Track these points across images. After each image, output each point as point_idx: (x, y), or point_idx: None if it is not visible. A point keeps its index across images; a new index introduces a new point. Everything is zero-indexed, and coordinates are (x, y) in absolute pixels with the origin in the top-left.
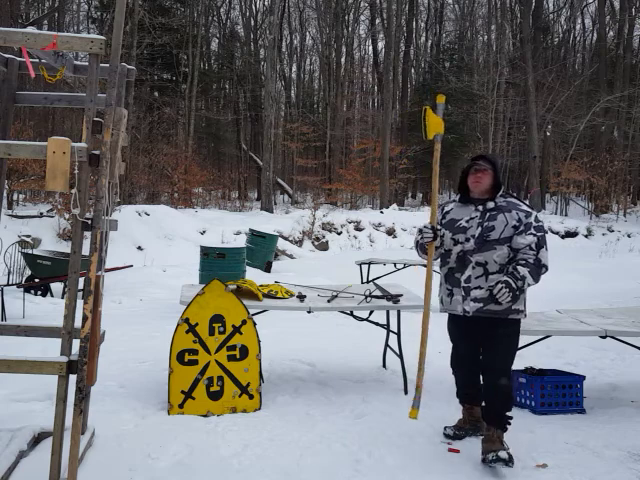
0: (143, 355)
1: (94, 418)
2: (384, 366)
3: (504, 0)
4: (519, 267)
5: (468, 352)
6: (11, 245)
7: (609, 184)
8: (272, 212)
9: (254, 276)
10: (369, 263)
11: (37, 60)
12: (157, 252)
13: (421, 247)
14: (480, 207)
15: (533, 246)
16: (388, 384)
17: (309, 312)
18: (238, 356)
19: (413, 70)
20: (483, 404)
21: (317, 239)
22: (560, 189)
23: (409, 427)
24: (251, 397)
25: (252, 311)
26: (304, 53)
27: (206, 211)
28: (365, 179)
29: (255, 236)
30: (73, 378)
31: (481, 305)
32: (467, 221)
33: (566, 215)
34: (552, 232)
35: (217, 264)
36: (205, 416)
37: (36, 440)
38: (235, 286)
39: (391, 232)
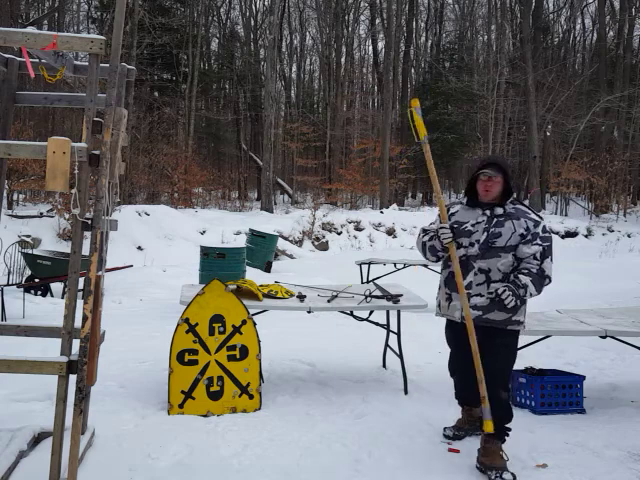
0: (143, 355)
1: (94, 418)
2: (384, 366)
3: (504, 0)
4: (521, 276)
5: (466, 359)
6: (11, 245)
7: (609, 184)
8: (272, 212)
9: (254, 276)
10: (369, 263)
11: (37, 60)
12: (157, 252)
13: (430, 249)
14: (487, 212)
15: (537, 255)
16: (388, 384)
17: (309, 312)
18: (238, 356)
19: (413, 70)
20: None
21: (317, 239)
22: (560, 189)
23: (409, 427)
24: (251, 397)
25: (252, 311)
26: (304, 53)
27: (206, 211)
28: (365, 179)
29: (255, 236)
30: (73, 378)
31: (480, 313)
32: (473, 225)
33: (566, 215)
34: (552, 232)
35: (217, 264)
36: (205, 416)
37: (36, 440)
38: (235, 286)
39: (391, 232)
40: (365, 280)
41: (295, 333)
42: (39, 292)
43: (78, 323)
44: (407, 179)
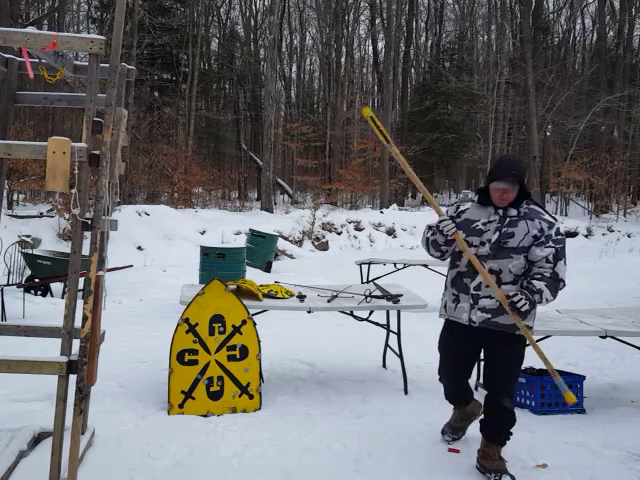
0: (143, 355)
1: (94, 418)
2: (384, 366)
3: (504, 0)
4: (534, 281)
5: (464, 364)
6: (11, 245)
7: (609, 184)
8: (272, 212)
9: (254, 276)
10: (369, 263)
11: (37, 60)
12: (157, 252)
13: (433, 244)
14: (500, 211)
15: (550, 258)
16: (388, 384)
17: (309, 312)
18: (238, 356)
19: (413, 70)
20: (483, 417)
21: (317, 239)
22: (560, 189)
23: (409, 427)
24: (251, 397)
25: (252, 311)
26: (304, 53)
27: (206, 211)
28: (365, 179)
29: (255, 236)
30: (73, 378)
31: (489, 316)
32: (484, 224)
33: (566, 215)
34: None
35: (217, 264)
36: (205, 416)
37: (36, 440)
38: (235, 286)
39: (391, 232)
40: (365, 280)
41: (295, 333)
42: (39, 292)
43: (78, 323)
44: (407, 179)
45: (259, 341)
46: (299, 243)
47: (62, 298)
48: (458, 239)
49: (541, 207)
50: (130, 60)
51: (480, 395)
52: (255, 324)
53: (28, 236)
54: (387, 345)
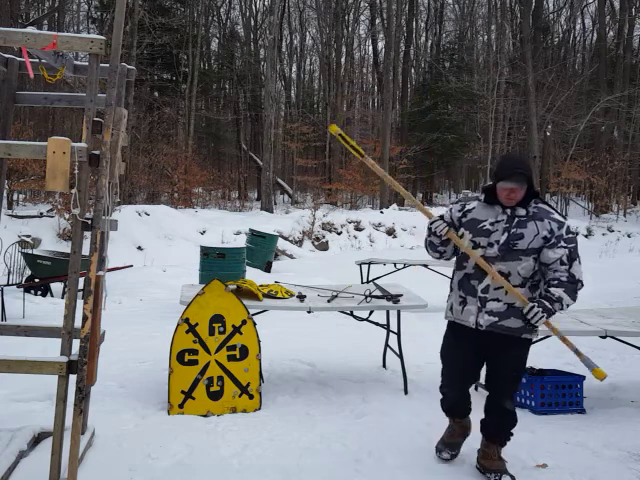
0: (143, 355)
1: (94, 418)
2: (384, 366)
3: (504, 0)
4: (552, 289)
5: (469, 369)
6: (11, 245)
7: (609, 184)
8: (272, 212)
9: (254, 276)
10: (369, 263)
11: (37, 60)
12: (157, 252)
13: (430, 245)
14: (508, 211)
15: (565, 259)
16: (388, 384)
17: (309, 312)
18: (238, 356)
19: (413, 70)
20: (484, 418)
21: (317, 239)
22: (560, 189)
23: (409, 427)
24: (251, 397)
25: (252, 311)
26: (304, 53)
27: (206, 211)
28: (365, 179)
29: (255, 236)
30: (73, 378)
31: (496, 320)
32: (492, 224)
33: (566, 215)
34: None
35: (217, 264)
36: (205, 416)
37: (36, 440)
38: (235, 286)
39: (391, 232)
40: (365, 280)
41: (295, 333)
42: (39, 292)
43: (78, 323)
44: (407, 179)
45: (259, 341)
46: (299, 243)
47: (62, 298)
48: (453, 238)
49: (549, 205)
50: (130, 60)
51: (480, 395)
52: (255, 324)
53: (28, 236)
54: (387, 345)
